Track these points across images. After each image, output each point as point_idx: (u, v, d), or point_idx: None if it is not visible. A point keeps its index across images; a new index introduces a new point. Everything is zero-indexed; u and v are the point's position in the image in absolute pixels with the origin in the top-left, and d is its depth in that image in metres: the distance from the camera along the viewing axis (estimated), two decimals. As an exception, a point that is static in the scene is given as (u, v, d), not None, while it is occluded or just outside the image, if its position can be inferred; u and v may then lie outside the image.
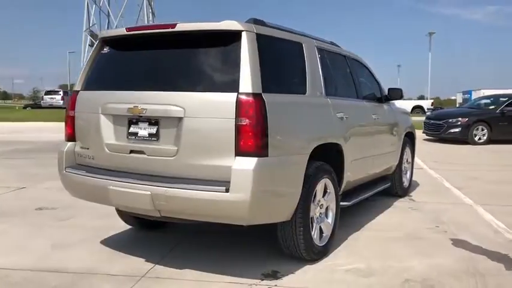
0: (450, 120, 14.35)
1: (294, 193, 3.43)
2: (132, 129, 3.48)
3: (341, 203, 4.23)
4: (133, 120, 3.47)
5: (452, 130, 14.18)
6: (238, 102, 3.08)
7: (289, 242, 3.63)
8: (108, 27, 45.30)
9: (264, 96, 3.16)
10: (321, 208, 3.88)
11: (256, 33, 3.30)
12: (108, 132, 3.58)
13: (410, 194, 6.61)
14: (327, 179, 3.88)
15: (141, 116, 3.41)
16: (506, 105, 14.44)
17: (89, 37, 42.77)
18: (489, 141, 13.98)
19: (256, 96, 3.11)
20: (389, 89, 5.75)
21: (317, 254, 3.78)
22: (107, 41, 3.81)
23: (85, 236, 4.50)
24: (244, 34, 3.22)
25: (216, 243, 4.32)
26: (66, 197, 5.74)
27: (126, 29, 3.61)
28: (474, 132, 14.07)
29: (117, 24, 43.07)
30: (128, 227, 4.75)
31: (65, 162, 3.80)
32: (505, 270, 3.71)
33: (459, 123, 14.21)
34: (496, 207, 5.78)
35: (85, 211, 5.40)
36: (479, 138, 14.07)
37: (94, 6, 42.90)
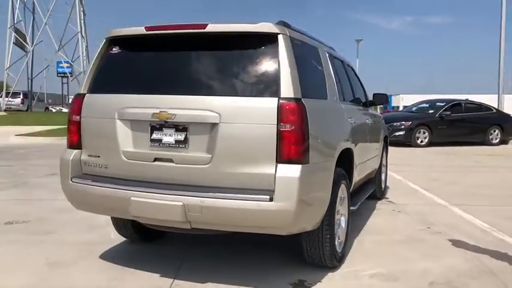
0: (395, 123, 15.01)
1: (326, 200, 3.37)
2: (155, 135, 3.24)
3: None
4: (157, 126, 3.23)
5: (397, 133, 14.84)
6: (280, 108, 2.97)
7: (314, 250, 3.56)
8: (33, 25, 42.55)
9: (303, 101, 3.08)
10: (337, 214, 3.85)
11: (290, 37, 3.20)
12: (126, 139, 3.30)
13: (387, 196, 6.80)
14: (343, 184, 3.86)
15: (167, 122, 3.18)
16: (444, 110, 15.39)
17: (13, 34, 39.74)
18: (430, 144, 14.81)
19: (297, 101, 3.02)
20: (374, 94, 5.87)
21: (338, 261, 3.75)
22: (117, 41, 3.52)
23: (78, 252, 4.13)
24: (280, 37, 3.12)
25: (223, 253, 4.14)
26: (32, 208, 5.30)
27: (145, 28, 3.34)
28: (417, 135, 14.84)
29: (47, 22, 40.43)
30: (120, 240, 4.44)
31: (71, 171, 3.46)
32: (510, 267, 3.90)
33: (403, 126, 14.93)
34: (468, 207, 6.09)
35: (62, 225, 5.00)
36: (421, 141, 14.86)
37: (19, 2, 39.97)
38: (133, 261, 3.91)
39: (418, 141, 14.84)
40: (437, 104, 16.16)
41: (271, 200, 2.91)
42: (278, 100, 2.98)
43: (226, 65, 3.20)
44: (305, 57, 3.49)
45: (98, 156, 3.42)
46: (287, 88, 3.00)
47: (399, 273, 3.70)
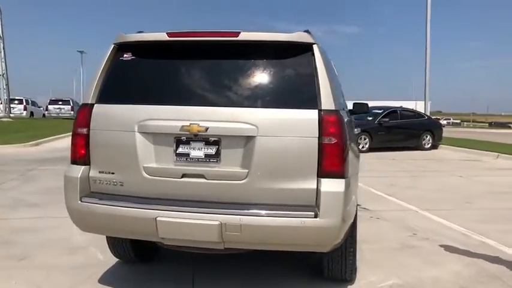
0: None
1: (354, 213, 3.33)
2: (182, 149, 3.00)
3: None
4: (183, 140, 3.00)
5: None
6: (322, 120, 2.87)
7: (336, 265, 3.50)
8: None
9: (341, 113, 3.01)
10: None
11: (320, 46, 3.12)
12: (147, 154, 3.03)
13: (359, 203, 6.90)
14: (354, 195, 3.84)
15: (196, 135, 2.96)
16: (383, 117, 16.13)
17: None
18: (369, 150, 15.42)
19: (337, 113, 2.94)
20: (354, 103, 5.93)
21: (355, 273, 3.72)
22: (129, 46, 3.22)
23: (72, 277, 3.74)
24: (315, 47, 3.03)
25: (230, 271, 3.96)
26: None
27: (167, 34, 3.09)
28: (358, 141, 15.38)
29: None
30: (112, 260, 4.09)
31: (80, 190, 3.11)
32: (510, 271, 4.10)
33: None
34: (437, 211, 6.38)
35: (36, 247, 4.53)
36: (363, 147, 15.43)
37: None
38: (143, 285, 3.61)
39: (360, 147, 15.39)
40: (374, 111, 16.87)
41: (315, 216, 2.80)
42: (319, 112, 2.89)
43: (261, 75, 3.05)
44: (330, 68, 3.43)
45: (112, 173, 3.10)
46: (327, 100, 2.91)
47: (414, 283, 3.76)
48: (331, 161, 2.87)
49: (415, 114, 17.34)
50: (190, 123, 2.93)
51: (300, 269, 4.00)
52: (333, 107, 2.92)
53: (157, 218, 2.88)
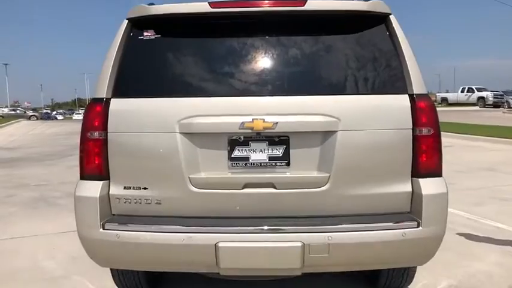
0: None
1: None
2: (238, 152, 2.33)
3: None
4: (239, 140, 2.33)
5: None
6: (415, 107, 2.34)
7: (397, 273, 3.02)
8: None
9: None
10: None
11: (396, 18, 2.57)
12: (193, 161, 2.32)
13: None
14: None
15: (258, 134, 2.30)
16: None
17: None
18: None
19: (429, 98, 2.43)
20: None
21: (410, 279, 3.28)
22: (154, 22, 2.45)
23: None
24: (392, 19, 2.48)
25: None
26: None
27: (209, 4, 2.36)
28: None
29: None
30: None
31: (100, 215, 2.32)
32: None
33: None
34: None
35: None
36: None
37: None
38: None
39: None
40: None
41: (418, 225, 2.29)
42: (411, 97, 2.36)
43: (335, 54, 2.44)
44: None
45: (144, 188, 2.35)
46: (418, 82, 2.38)
47: (469, 281, 3.42)
48: (429, 157, 2.36)
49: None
50: (253, 119, 2.26)
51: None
52: (425, 90, 2.40)
53: (219, 244, 2.20)
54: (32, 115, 55.21)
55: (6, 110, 58.50)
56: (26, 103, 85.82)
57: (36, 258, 4.12)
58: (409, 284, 3.20)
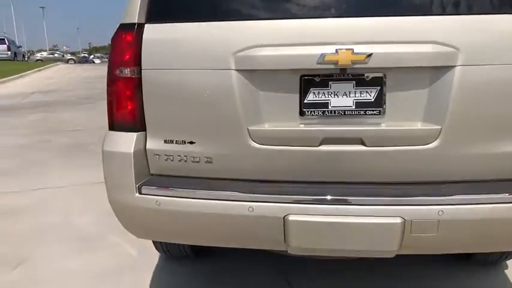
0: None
1: None
2: (314, 96, 1.73)
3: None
4: (316, 80, 1.72)
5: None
6: None
7: None
8: None
9: None
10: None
11: None
12: (254, 107, 1.74)
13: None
14: None
15: (343, 70, 1.68)
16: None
17: None
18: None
19: None
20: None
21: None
22: None
23: None
24: None
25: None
26: None
27: None
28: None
29: None
30: (152, 258, 2.91)
31: (136, 175, 1.81)
32: None
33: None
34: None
35: (27, 242, 3.22)
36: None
37: None
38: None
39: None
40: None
41: None
42: None
43: None
44: None
45: (191, 142, 1.80)
46: None
47: None
48: None
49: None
50: (338, 50, 1.63)
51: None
52: None
53: (289, 218, 1.66)
54: (70, 59, 56.09)
55: (45, 54, 59.73)
56: (64, 47, 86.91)
57: (68, 213, 3.77)
58: (509, 259, 2.65)
